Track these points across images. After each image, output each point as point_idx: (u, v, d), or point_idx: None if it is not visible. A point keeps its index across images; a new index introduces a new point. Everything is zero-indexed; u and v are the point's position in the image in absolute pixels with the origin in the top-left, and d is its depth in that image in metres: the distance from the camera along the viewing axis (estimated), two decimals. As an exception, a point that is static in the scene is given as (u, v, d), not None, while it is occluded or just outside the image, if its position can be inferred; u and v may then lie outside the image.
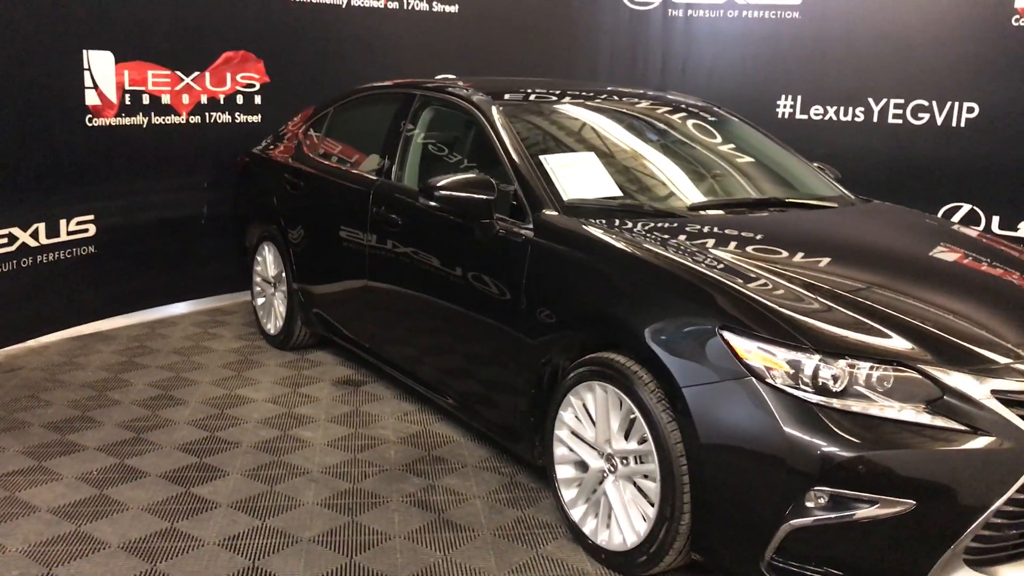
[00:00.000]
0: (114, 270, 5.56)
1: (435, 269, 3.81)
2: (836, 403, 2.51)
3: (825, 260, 3.14)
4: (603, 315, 3.05)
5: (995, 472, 2.46)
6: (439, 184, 3.47)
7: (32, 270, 5.03)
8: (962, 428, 2.48)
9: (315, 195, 4.87)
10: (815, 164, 4.46)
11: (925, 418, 2.49)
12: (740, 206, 3.71)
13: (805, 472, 2.48)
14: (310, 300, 4.93)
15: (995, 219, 6.92)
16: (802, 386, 2.54)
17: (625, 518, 2.96)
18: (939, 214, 7.15)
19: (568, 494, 3.20)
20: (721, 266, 2.94)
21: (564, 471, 3.22)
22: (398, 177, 4.28)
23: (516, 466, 3.81)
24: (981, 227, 6.96)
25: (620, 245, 3.13)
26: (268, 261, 5.34)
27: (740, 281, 2.83)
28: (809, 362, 2.55)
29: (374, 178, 4.40)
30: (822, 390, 2.53)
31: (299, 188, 4.99)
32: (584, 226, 3.27)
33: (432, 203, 3.52)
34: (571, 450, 3.18)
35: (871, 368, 2.54)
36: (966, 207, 7.04)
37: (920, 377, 2.53)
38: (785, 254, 3.14)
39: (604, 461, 3.05)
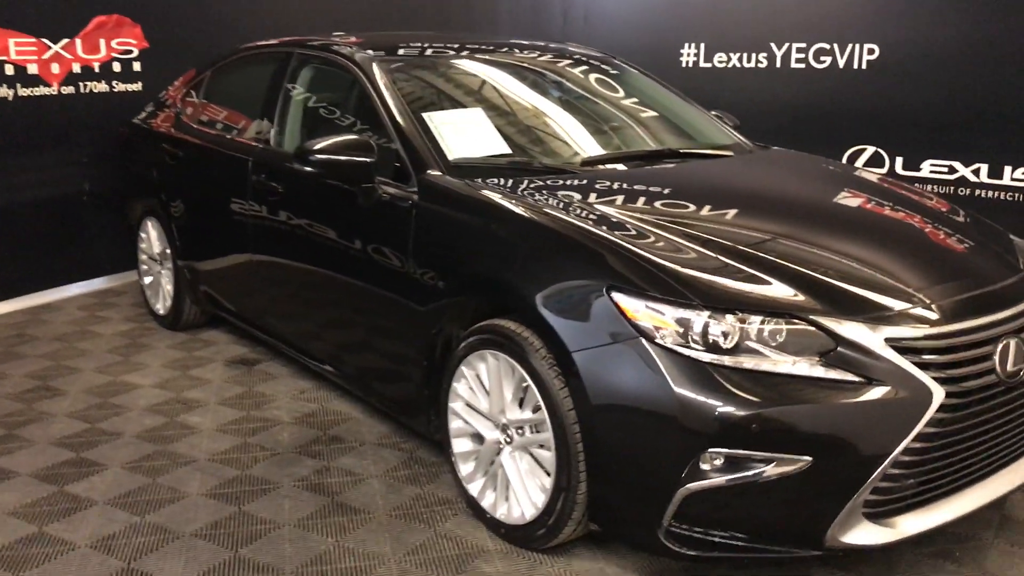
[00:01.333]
0: (-13, 255, 5.22)
1: (320, 238, 3.60)
2: (727, 360, 2.40)
3: (718, 211, 3.02)
4: (491, 280, 2.89)
5: (891, 422, 2.39)
6: (314, 148, 3.25)
7: None
8: (856, 379, 2.40)
9: (194, 165, 4.59)
10: (713, 112, 4.34)
11: (819, 371, 2.40)
12: (634, 159, 3.57)
13: (698, 434, 2.38)
14: (197, 277, 4.67)
15: (898, 160, 6.94)
16: (692, 345, 2.42)
17: (523, 490, 2.84)
18: (844, 157, 7.16)
19: (465, 468, 3.06)
20: (609, 223, 2.80)
21: (460, 444, 3.07)
22: (278, 143, 4.04)
23: (416, 441, 3.65)
24: (885, 169, 6.99)
25: (506, 205, 2.96)
26: (152, 238, 5.05)
27: (628, 238, 2.69)
28: (698, 319, 2.43)
29: (254, 144, 4.14)
30: (713, 348, 2.41)
31: (178, 159, 4.70)
32: (469, 186, 3.10)
33: (308, 168, 3.29)
34: (466, 423, 3.03)
35: (762, 322, 2.43)
36: (870, 150, 7.06)
37: (813, 329, 2.44)
38: (677, 207, 3.02)
39: (500, 432, 2.91)
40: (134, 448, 3.62)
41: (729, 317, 2.43)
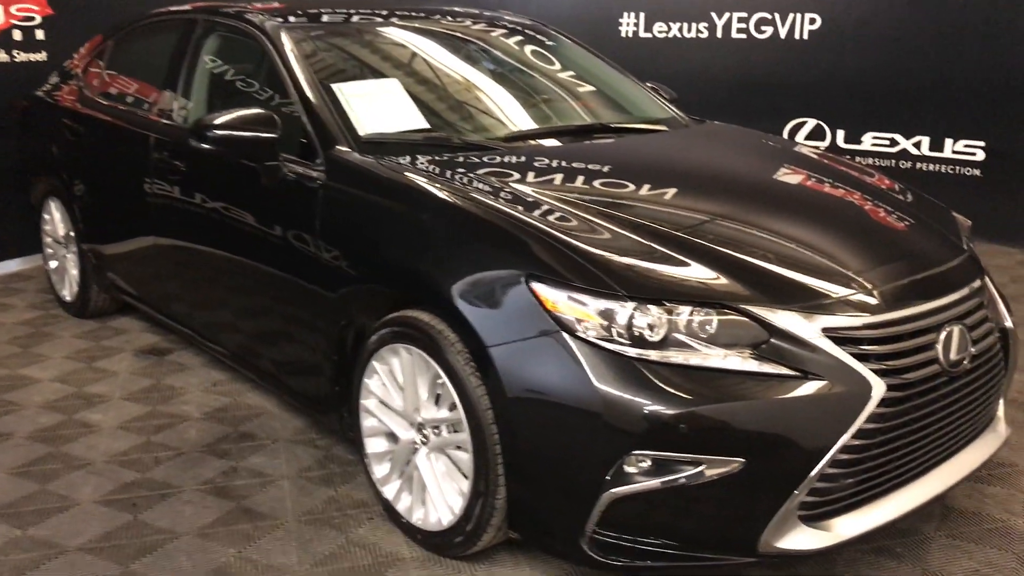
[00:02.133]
0: None
1: (224, 221, 3.33)
2: (654, 355, 2.21)
3: (648, 191, 2.83)
4: (401, 267, 2.66)
5: (828, 419, 2.22)
6: (212, 123, 2.98)
7: None
8: (791, 373, 2.22)
9: (96, 142, 4.27)
10: (649, 84, 4.14)
11: (751, 365, 2.22)
12: (560, 135, 3.35)
13: (623, 435, 2.19)
14: (102, 262, 4.36)
15: (840, 133, 6.83)
16: (617, 338, 2.23)
17: (439, 494, 2.63)
18: (785, 130, 7.02)
19: (380, 470, 2.84)
20: (530, 205, 2.59)
21: (374, 444, 2.85)
22: (182, 117, 3.74)
23: (334, 437, 3.42)
24: (826, 142, 6.88)
25: (418, 185, 2.73)
26: (56, 219, 4.72)
27: (549, 222, 2.48)
28: (622, 311, 2.23)
29: (156, 120, 3.84)
30: (638, 341, 2.22)
31: (79, 135, 4.38)
32: (380, 164, 2.85)
33: (205, 146, 3.02)
34: (380, 421, 2.81)
35: (691, 313, 2.25)
36: (811, 122, 6.94)
37: (745, 319, 2.26)
38: (604, 186, 2.81)
39: (415, 432, 2.69)
40: (24, 451, 3.34)
41: (655, 308, 2.24)
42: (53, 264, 4.90)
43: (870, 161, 6.66)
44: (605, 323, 2.24)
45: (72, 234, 4.56)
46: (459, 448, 2.53)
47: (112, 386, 3.91)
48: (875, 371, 2.27)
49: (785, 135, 6.98)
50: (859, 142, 6.74)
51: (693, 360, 2.21)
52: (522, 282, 2.33)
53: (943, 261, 2.67)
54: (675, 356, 2.21)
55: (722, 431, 2.18)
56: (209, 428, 3.52)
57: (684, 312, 2.25)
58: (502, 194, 2.65)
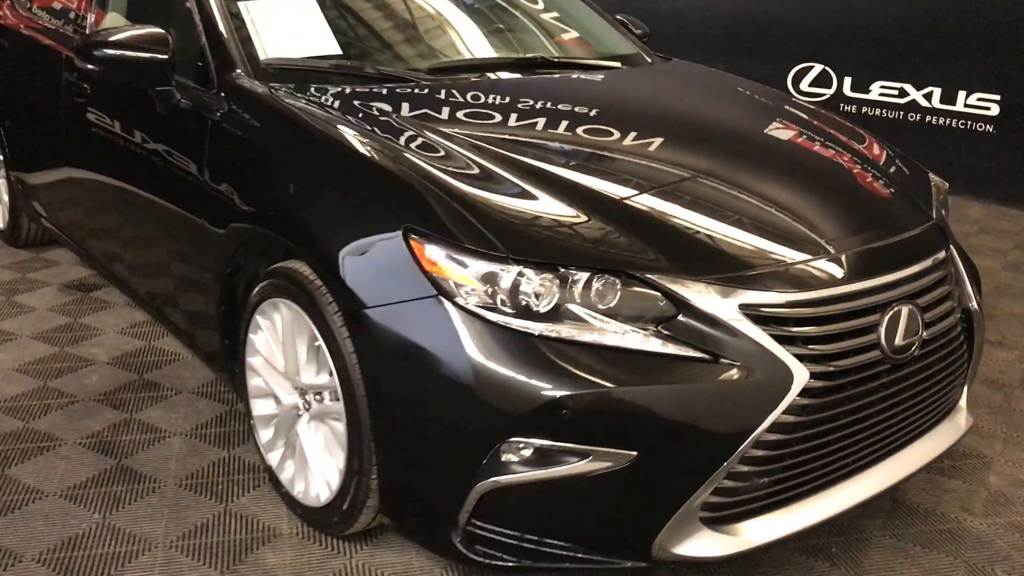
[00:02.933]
0: None
1: (126, 150, 3.03)
2: (540, 328, 1.91)
3: (572, 137, 2.49)
4: (284, 211, 2.35)
5: (738, 410, 1.92)
6: (98, 41, 2.66)
7: None
8: (699, 356, 1.91)
9: (18, 59, 3.96)
10: (618, 16, 3.75)
11: (653, 344, 1.91)
12: (495, 68, 3.00)
13: (500, 418, 1.90)
14: (26, 190, 4.08)
15: (847, 81, 6.40)
16: (501, 307, 1.92)
17: (319, 467, 2.36)
18: (789, 75, 6.60)
19: (265, 434, 2.58)
20: (426, 148, 2.27)
21: (260, 406, 2.58)
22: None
23: (241, 390, 3.15)
24: (832, 89, 6.45)
25: (306, 120, 2.41)
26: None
27: (443, 168, 2.16)
28: (506, 275, 1.92)
29: (71, 36, 3.52)
30: (523, 312, 1.91)
31: (3, 49, 4.06)
32: (274, 94, 2.53)
33: (92, 66, 2.70)
34: (265, 382, 2.53)
35: (588, 281, 1.93)
36: (817, 68, 6.50)
37: (650, 291, 1.94)
38: (520, 131, 2.48)
39: (298, 396, 2.42)
40: (-93, 391, 3.11)
41: (545, 274, 1.92)
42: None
43: (877, 112, 6.24)
44: (488, 289, 1.93)
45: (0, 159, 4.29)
46: (336, 419, 2.25)
47: (24, 323, 3.66)
48: (799, 356, 1.95)
49: (789, 81, 6.55)
50: (867, 91, 6.31)
51: (585, 336, 1.91)
52: (399, 236, 2.02)
53: (902, 229, 2.33)
54: (565, 330, 1.91)
55: (613, 419, 1.89)
56: (113, 374, 3.27)
57: (579, 279, 1.94)
58: (400, 135, 2.32)
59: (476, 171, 2.17)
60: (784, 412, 1.93)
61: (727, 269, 2.00)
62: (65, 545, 2.36)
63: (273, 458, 2.54)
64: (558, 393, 1.85)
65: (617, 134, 2.54)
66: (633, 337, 1.91)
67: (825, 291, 2.03)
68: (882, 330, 2.08)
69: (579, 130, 2.52)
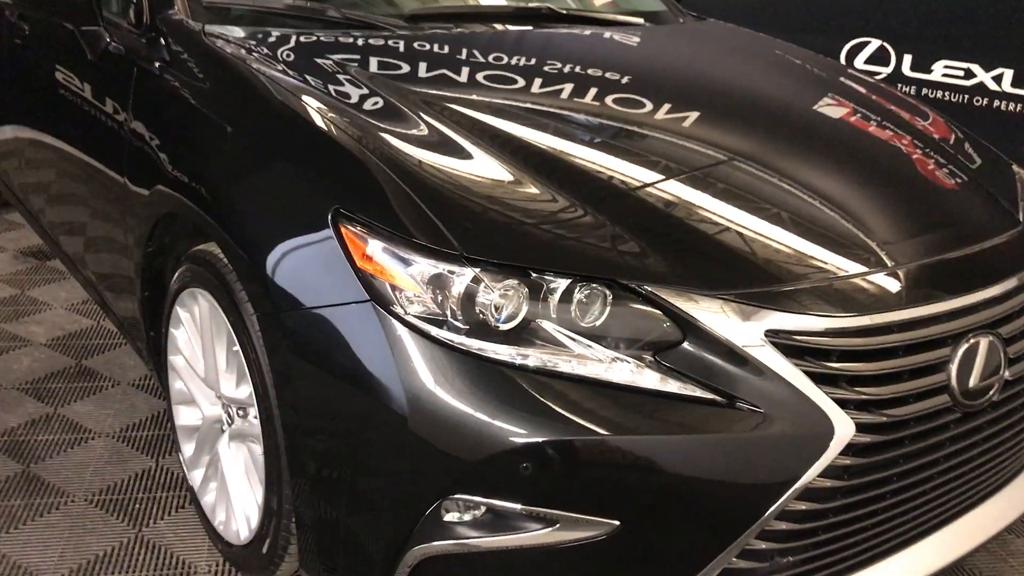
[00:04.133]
0: None
1: (60, 98, 2.59)
2: (501, 351, 1.44)
3: (568, 104, 2.02)
4: (200, 177, 1.90)
5: (758, 472, 1.45)
6: (14, -32, 2.22)
7: None
8: (708, 397, 1.44)
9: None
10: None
11: (649, 378, 1.44)
12: (491, 19, 2.51)
13: (439, 469, 1.44)
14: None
15: (907, 59, 5.79)
16: (452, 320, 1.45)
17: (239, 497, 1.93)
18: (844, 50, 6.00)
19: (187, 448, 2.15)
20: (378, 114, 1.80)
21: (183, 414, 2.15)
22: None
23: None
24: (890, 68, 5.85)
25: (241, 71, 1.95)
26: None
27: (397, 139, 1.70)
28: (459, 279, 1.46)
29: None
30: (480, 328, 1.45)
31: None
32: (211, 38, 2.07)
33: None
34: (187, 386, 2.10)
35: (568, 292, 1.46)
36: (875, 43, 5.89)
37: (649, 308, 1.46)
38: (504, 96, 2.01)
39: (222, 408, 1.98)
40: None
41: (510, 280, 1.45)
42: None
43: (939, 95, 5.64)
44: (435, 296, 1.47)
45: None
46: (256, 443, 1.81)
47: (-36, 294, 3.27)
48: (842, 401, 1.47)
49: (842, 57, 5.96)
50: (928, 71, 5.70)
51: (560, 365, 1.44)
52: (328, 220, 1.56)
53: (982, 237, 1.82)
54: (533, 355, 1.44)
55: (589, 478, 1.42)
56: (48, 359, 2.86)
57: (557, 289, 1.46)
58: (354, 95, 1.86)
59: (442, 146, 1.71)
60: (819, 476, 1.45)
61: (752, 282, 1.52)
62: (-67, 575, 1.96)
63: (195, 477, 2.12)
64: (517, 440, 1.39)
65: (628, 106, 2.05)
66: (622, 368, 1.44)
67: (880, 316, 1.54)
68: (953, 368, 1.59)
69: (584, 99, 2.04)
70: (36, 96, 2.81)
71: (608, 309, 1.46)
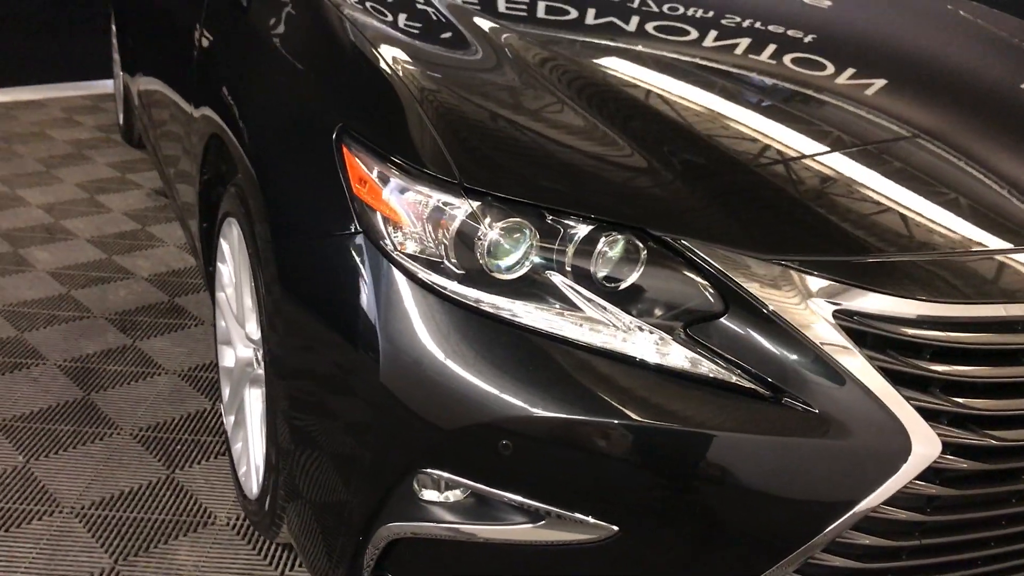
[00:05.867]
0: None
1: (161, 40, 2.55)
2: (498, 305, 1.19)
3: (633, 40, 1.72)
4: (230, 93, 1.75)
5: (802, 490, 1.12)
6: None
7: None
8: (747, 386, 1.13)
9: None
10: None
11: (676, 356, 1.15)
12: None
13: (408, 436, 1.21)
14: (128, 91, 3.77)
15: None
16: (447, 262, 1.22)
17: (255, 447, 1.78)
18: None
19: (226, 392, 2.03)
20: (429, 32, 1.58)
21: (224, 355, 2.02)
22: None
23: (264, 331, 2.63)
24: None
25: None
26: (113, 42, 4.18)
27: (429, 61, 1.47)
28: (454, 213, 1.21)
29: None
30: (477, 276, 1.20)
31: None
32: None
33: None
34: (227, 325, 1.97)
35: (590, 237, 1.19)
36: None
37: (685, 269, 1.17)
38: (574, 30, 1.73)
39: (253, 350, 1.83)
40: (-72, 280, 2.82)
41: (514, 218, 1.20)
42: (119, 87, 4.38)
43: None
44: (432, 233, 1.23)
45: (116, 56, 4.02)
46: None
47: (90, 224, 3.33)
48: (930, 412, 1.12)
49: None
50: None
51: (566, 329, 1.17)
52: (333, 137, 1.35)
53: None
54: (534, 313, 1.18)
55: (585, 469, 1.15)
56: (143, 293, 2.84)
57: (576, 234, 1.19)
58: (408, 16, 1.65)
59: (490, 72, 1.47)
60: (887, 503, 1.12)
61: (825, 249, 1.19)
62: (-39, 490, 1.92)
63: (229, 423, 1.99)
64: (498, 412, 1.14)
65: (698, 37, 1.73)
66: (643, 340, 1.16)
67: (999, 309, 1.17)
68: (1094, 385, 1.20)
69: (669, 38, 1.74)
70: (153, 44, 2.79)
71: (640, 268, 1.18)
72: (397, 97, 1.36)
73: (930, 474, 1.13)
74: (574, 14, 1.81)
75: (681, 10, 1.87)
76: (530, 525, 1.18)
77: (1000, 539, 1.22)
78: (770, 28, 1.86)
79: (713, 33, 1.77)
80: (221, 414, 2.10)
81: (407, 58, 1.44)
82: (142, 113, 3.33)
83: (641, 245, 1.18)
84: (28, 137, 4.28)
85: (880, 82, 1.65)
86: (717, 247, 1.16)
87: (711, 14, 1.87)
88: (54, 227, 3.28)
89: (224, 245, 1.89)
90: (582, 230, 1.19)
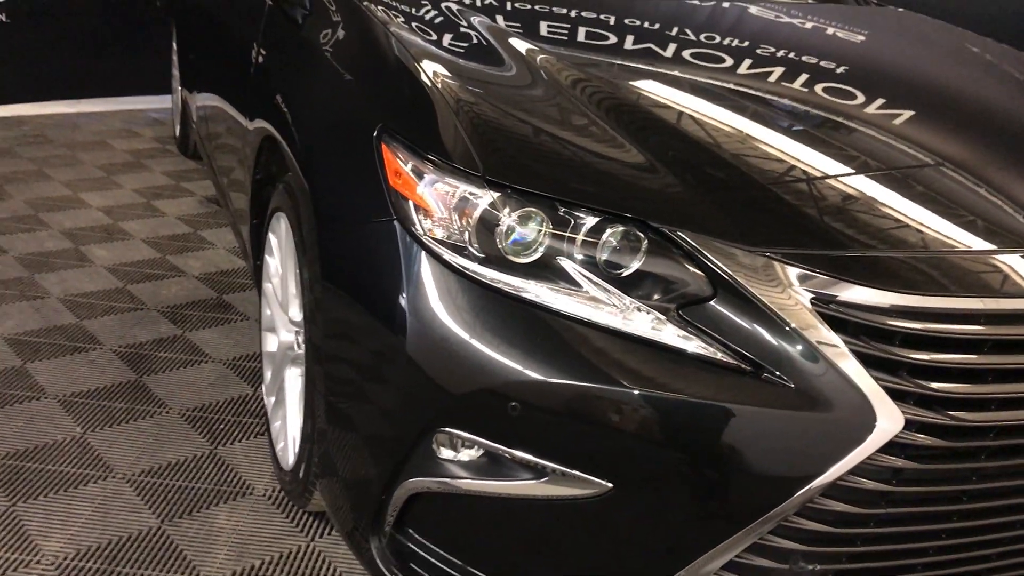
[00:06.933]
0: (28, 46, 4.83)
1: (227, 61, 2.75)
2: (512, 285, 1.34)
3: (684, 58, 1.87)
4: (282, 96, 1.93)
5: (776, 456, 1.26)
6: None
7: None
8: (730, 362, 1.27)
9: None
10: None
11: (668, 334, 1.29)
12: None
13: (428, 399, 1.37)
14: (185, 107, 4.00)
15: None
16: (471, 246, 1.37)
17: (292, 422, 1.94)
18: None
19: (267, 375, 2.20)
20: (464, 49, 1.75)
21: (267, 341, 2.20)
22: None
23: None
24: None
25: None
26: (173, 59, 4.42)
27: (461, 70, 1.64)
28: (477, 201, 1.37)
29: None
30: (496, 260, 1.36)
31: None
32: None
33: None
34: (272, 312, 2.14)
35: (597, 228, 1.34)
36: None
37: (681, 258, 1.31)
38: (611, 54, 1.90)
39: (294, 334, 2.00)
40: (9, 268, 3.04)
41: (528, 209, 1.36)
42: (177, 102, 4.63)
43: None
44: (458, 220, 1.39)
45: (175, 72, 4.26)
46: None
47: (145, 226, 3.55)
48: (898, 393, 1.25)
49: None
50: None
51: (572, 306, 1.32)
52: (373, 136, 1.53)
53: None
54: (544, 292, 1.33)
55: (582, 430, 1.29)
56: (193, 289, 3.04)
57: (585, 225, 1.35)
58: (450, 20, 1.83)
59: (517, 80, 1.63)
60: (856, 473, 1.25)
61: (807, 243, 1.33)
62: (24, 453, 2.10)
63: (269, 404, 2.15)
64: (507, 377, 1.29)
65: (760, 63, 1.88)
66: (641, 319, 1.30)
67: (965, 301, 1.30)
68: (1054, 377, 1.32)
69: (708, 55, 1.90)
70: (212, 62, 3.00)
71: (641, 256, 1.32)
72: (432, 103, 1.52)
73: (896, 449, 1.26)
74: (610, 40, 1.96)
75: (710, 39, 2.03)
76: (534, 481, 1.32)
77: (962, 514, 1.34)
78: (761, 48, 2.01)
79: (730, 60, 1.92)
80: (263, 397, 2.27)
81: (445, 71, 1.61)
82: (200, 126, 3.55)
83: (642, 235, 1.33)
84: (90, 145, 4.54)
85: (860, 95, 1.79)
86: (709, 239, 1.31)
87: (729, 41, 2.03)
88: (112, 228, 3.50)
89: (272, 239, 2.07)
90: (590, 221, 1.34)
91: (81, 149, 4.47)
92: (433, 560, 1.47)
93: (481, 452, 1.38)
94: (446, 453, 1.40)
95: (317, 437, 1.69)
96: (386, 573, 1.48)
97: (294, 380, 1.95)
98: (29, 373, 2.42)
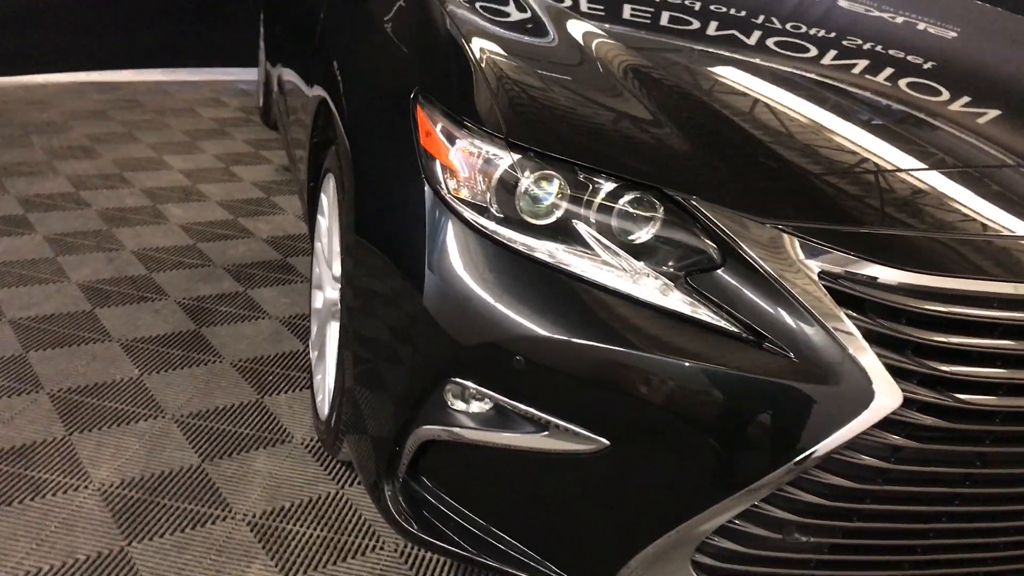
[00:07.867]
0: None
1: (298, 34, 2.85)
2: (528, 245, 1.38)
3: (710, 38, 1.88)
4: (338, 71, 2.00)
5: (774, 424, 1.27)
6: None
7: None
8: (733, 331, 1.29)
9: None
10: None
11: (674, 300, 1.32)
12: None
13: (441, 350, 1.42)
14: (268, 77, 4.14)
15: None
16: (492, 207, 1.42)
17: (331, 374, 2.02)
18: None
19: (313, 330, 2.29)
20: (512, 22, 1.80)
21: (316, 297, 2.29)
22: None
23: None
24: None
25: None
26: (261, 30, 4.57)
27: (505, 40, 1.69)
28: (499, 162, 1.42)
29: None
30: (515, 221, 1.40)
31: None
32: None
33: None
34: (320, 270, 2.23)
35: (614, 194, 1.37)
36: None
37: (693, 227, 1.34)
38: (655, 32, 1.91)
39: (338, 292, 2.08)
40: (82, 221, 3.22)
41: (546, 171, 1.40)
42: (262, 75, 4.79)
43: None
44: (482, 181, 1.44)
45: (262, 45, 4.40)
46: (343, 322, 1.89)
47: (222, 190, 3.69)
48: (901, 371, 1.25)
49: None
50: None
51: (583, 268, 1.36)
52: (411, 98, 1.59)
53: None
54: (558, 253, 1.37)
55: (582, 387, 1.33)
56: (259, 251, 3.16)
57: (601, 190, 1.38)
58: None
59: (561, 52, 1.67)
60: (852, 448, 1.26)
61: (819, 217, 1.33)
62: (84, 389, 2.23)
63: (313, 358, 2.24)
64: (511, 331, 1.34)
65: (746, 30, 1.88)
66: (649, 284, 1.33)
67: (976, 284, 1.29)
68: (1062, 364, 1.30)
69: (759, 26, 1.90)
70: (289, 36, 3.11)
71: (655, 225, 1.35)
72: (470, 71, 1.57)
73: (896, 427, 1.26)
74: (663, 19, 1.98)
75: (752, 19, 2.03)
76: (536, 435, 1.37)
77: (964, 499, 1.33)
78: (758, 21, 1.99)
79: (769, 39, 1.92)
80: (309, 351, 2.36)
81: (490, 46, 1.65)
82: (279, 98, 3.67)
83: (657, 202, 1.36)
84: (179, 112, 4.73)
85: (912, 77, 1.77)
86: (721, 208, 1.33)
87: (763, 19, 2.02)
88: (190, 189, 3.65)
89: (323, 199, 2.15)
90: (607, 186, 1.38)
91: (170, 115, 4.66)
92: (443, 508, 1.53)
93: (490, 405, 1.43)
94: (458, 404, 1.45)
95: (346, 388, 1.76)
96: (398, 518, 1.54)
97: (334, 335, 2.03)
98: (97, 317, 2.57)
